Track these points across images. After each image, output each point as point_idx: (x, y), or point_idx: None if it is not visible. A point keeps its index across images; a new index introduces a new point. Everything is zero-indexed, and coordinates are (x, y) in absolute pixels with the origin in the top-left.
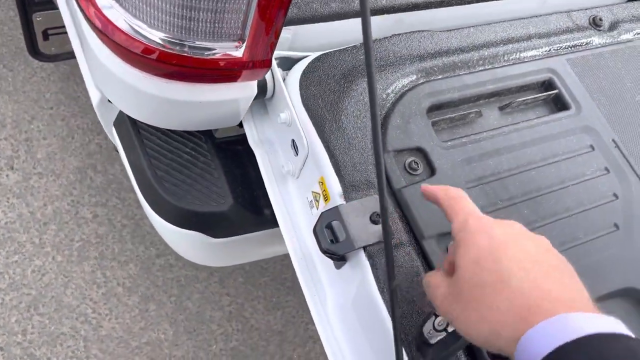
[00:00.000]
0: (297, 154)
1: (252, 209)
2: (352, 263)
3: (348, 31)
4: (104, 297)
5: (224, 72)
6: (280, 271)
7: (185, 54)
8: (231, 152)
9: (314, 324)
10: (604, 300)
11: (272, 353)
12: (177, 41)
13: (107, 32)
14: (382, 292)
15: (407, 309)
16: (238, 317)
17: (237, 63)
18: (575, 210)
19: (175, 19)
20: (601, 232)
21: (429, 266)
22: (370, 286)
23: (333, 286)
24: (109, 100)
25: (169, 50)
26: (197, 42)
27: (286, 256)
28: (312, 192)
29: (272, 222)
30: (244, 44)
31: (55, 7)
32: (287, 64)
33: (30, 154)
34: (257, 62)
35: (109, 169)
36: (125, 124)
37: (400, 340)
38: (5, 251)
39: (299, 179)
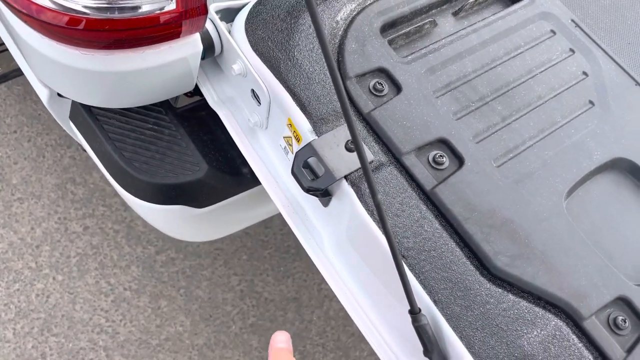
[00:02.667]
0: (259, 103)
1: (229, 171)
2: (337, 195)
3: None
4: (114, 304)
5: (161, 29)
6: (281, 240)
7: (115, 18)
8: (195, 119)
9: (326, 283)
10: (594, 176)
11: (292, 320)
12: (103, 5)
13: (31, 13)
14: (371, 214)
15: (396, 222)
16: (250, 294)
17: (172, 15)
18: (548, 97)
19: None
20: (578, 111)
21: (413, 180)
22: (359, 211)
23: (325, 225)
24: (58, 94)
25: (96, 17)
26: (123, 2)
27: (284, 224)
28: (284, 137)
29: (253, 180)
30: None
31: None
32: (230, 15)
33: (5, 181)
34: (192, 10)
35: (88, 179)
36: (81, 114)
37: (396, 250)
38: (4, 282)
39: (268, 129)
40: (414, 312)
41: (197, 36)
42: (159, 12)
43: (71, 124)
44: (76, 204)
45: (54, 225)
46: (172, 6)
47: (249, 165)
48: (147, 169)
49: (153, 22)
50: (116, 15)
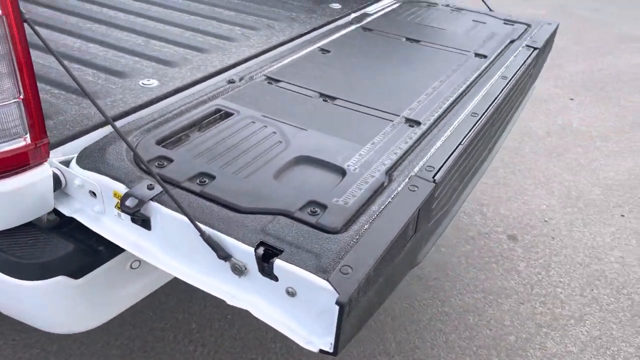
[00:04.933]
0: (96, 196)
1: (92, 248)
2: (151, 215)
3: None
4: None
5: (11, 164)
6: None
7: None
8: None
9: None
10: (292, 166)
11: None
12: None
13: None
14: (174, 209)
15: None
16: None
17: (21, 152)
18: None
19: None
20: (271, 150)
21: (190, 192)
22: (165, 211)
23: (157, 241)
24: None
25: None
26: None
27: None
28: (115, 206)
29: (110, 253)
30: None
31: None
32: (68, 161)
33: None
34: (36, 150)
35: None
36: None
37: (191, 216)
38: None
39: (105, 210)
40: (203, 235)
41: (45, 169)
42: (10, 150)
43: None
44: None
45: None
46: (20, 144)
47: (104, 242)
48: (30, 253)
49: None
50: None
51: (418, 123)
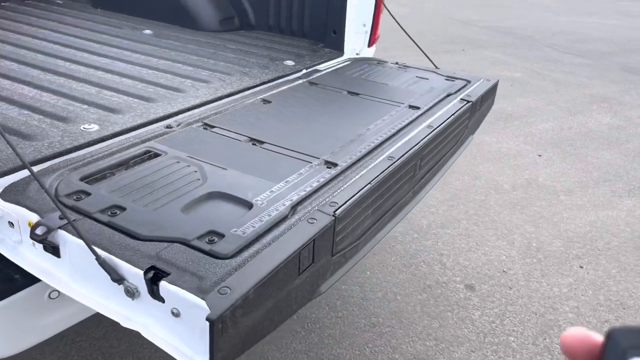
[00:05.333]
0: (13, 226)
1: (8, 277)
2: (62, 244)
3: None
4: None
5: None
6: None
7: None
8: None
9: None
10: (201, 201)
11: None
12: None
13: None
14: (76, 236)
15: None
16: None
17: None
18: (173, 194)
19: None
20: (190, 185)
21: (91, 218)
22: (75, 242)
23: (63, 268)
24: None
25: None
26: None
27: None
28: (30, 238)
29: (25, 281)
30: None
31: None
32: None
33: None
34: None
35: None
36: None
37: (88, 241)
38: None
39: (22, 240)
40: (98, 259)
41: None
42: None
43: None
44: None
45: None
46: None
47: (20, 271)
48: None
49: None
50: None
51: (335, 165)
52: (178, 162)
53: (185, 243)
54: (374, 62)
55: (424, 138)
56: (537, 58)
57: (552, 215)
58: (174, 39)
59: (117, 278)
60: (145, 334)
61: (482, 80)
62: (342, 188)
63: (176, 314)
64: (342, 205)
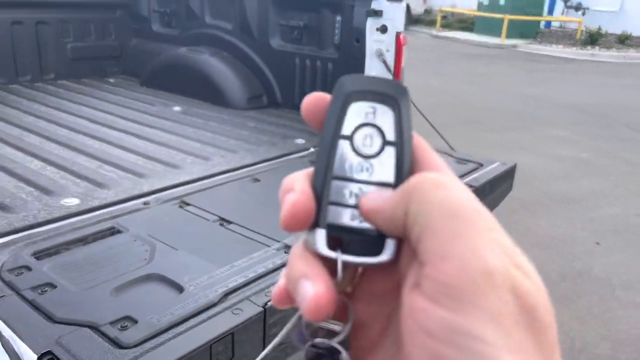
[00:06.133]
0: None
1: None
2: None
3: None
4: None
5: None
6: None
7: None
8: None
9: None
10: (133, 284)
11: None
12: None
13: None
14: None
15: None
16: None
17: None
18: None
19: None
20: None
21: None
22: None
23: None
24: None
25: None
26: None
27: None
28: None
29: None
30: None
31: None
32: None
33: None
34: None
35: None
36: None
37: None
38: None
39: None
40: (1, 338)
41: None
42: None
43: None
44: None
45: None
46: None
47: None
48: None
49: None
50: None
51: None
52: (135, 240)
53: (95, 328)
54: None
55: None
56: (609, 137)
57: (603, 313)
58: (198, 116)
59: None
60: None
61: (496, 164)
62: None
63: None
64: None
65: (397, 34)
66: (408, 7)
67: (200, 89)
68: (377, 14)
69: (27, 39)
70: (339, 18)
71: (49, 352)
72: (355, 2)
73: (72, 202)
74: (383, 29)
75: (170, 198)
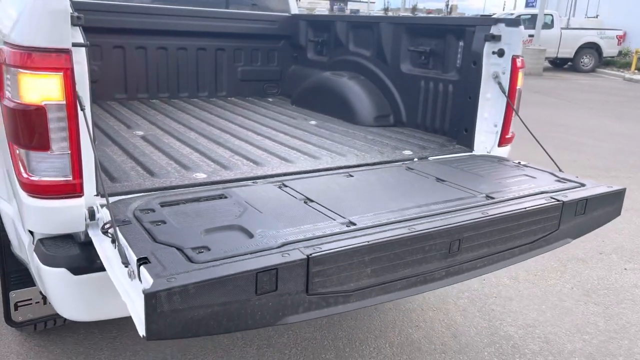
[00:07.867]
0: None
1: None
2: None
3: None
4: None
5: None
6: None
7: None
8: None
9: None
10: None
11: None
12: None
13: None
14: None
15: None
16: None
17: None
18: (214, 220)
19: None
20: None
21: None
22: (121, 238)
23: (114, 257)
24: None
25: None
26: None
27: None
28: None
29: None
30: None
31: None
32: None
33: None
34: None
35: None
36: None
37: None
38: None
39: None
40: (119, 245)
41: (80, 200)
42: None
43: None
44: None
45: None
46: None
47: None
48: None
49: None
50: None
51: (354, 224)
52: (234, 204)
53: (179, 249)
54: (495, 159)
55: (466, 221)
56: None
57: None
58: (327, 129)
59: (124, 262)
60: (129, 308)
61: (600, 186)
62: (340, 240)
63: (143, 292)
64: (323, 251)
65: (514, 57)
66: (599, 47)
67: (336, 107)
68: (495, 38)
69: (208, 62)
70: (461, 43)
71: (144, 258)
72: (475, 28)
73: (200, 176)
74: (500, 53)
75: (274, 181)
